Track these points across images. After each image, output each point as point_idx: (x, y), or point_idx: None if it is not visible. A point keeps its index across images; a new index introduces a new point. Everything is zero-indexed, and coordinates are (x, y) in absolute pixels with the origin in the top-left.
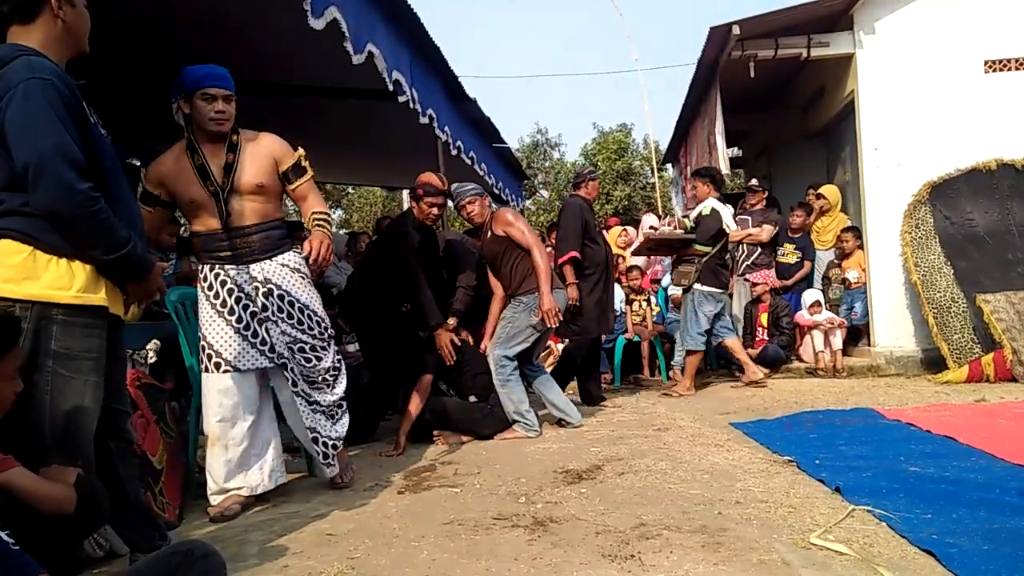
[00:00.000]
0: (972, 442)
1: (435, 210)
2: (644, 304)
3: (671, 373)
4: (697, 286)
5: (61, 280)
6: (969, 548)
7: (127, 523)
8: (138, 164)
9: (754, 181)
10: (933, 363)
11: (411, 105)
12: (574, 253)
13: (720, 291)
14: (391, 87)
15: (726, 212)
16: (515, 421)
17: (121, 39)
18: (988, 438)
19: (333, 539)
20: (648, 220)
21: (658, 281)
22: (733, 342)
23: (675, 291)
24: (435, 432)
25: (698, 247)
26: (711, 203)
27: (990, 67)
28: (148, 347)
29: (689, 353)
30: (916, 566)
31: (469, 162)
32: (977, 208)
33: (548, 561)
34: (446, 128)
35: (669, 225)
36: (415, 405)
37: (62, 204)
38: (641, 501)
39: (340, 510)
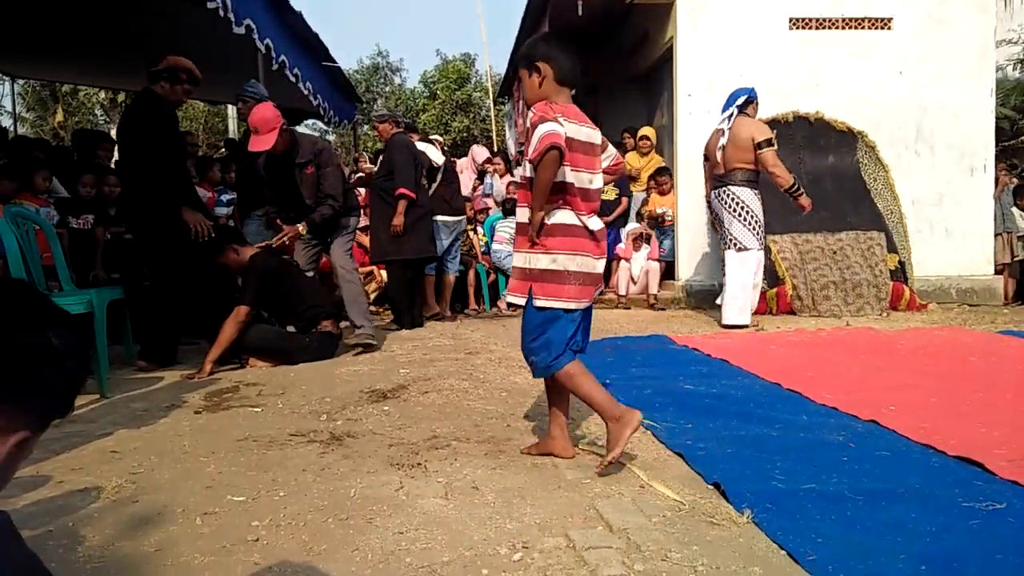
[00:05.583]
0: (742, 364)
1: (185, 97)
2: (472, 234)
3: (496, 304)
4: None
5: None
6: (715, 451)
7: None
8: None
9: None
10: None
11: (222, 13)
12: (405, 190)
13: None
14: None
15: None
16: None
17: None
18: (757, 361)
19: (117, 456)
20: (478, 152)
21: (486, 211)
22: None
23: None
24: (244, 355)
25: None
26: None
27: (794, 24)
28: None
29: None
30: (666, 466)
31: (293, 79)
32: None
33: (336, 471)
34: (267, 41)
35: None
36: (227, 333)
37: None
38: (438, 416)
39: (128, 429)
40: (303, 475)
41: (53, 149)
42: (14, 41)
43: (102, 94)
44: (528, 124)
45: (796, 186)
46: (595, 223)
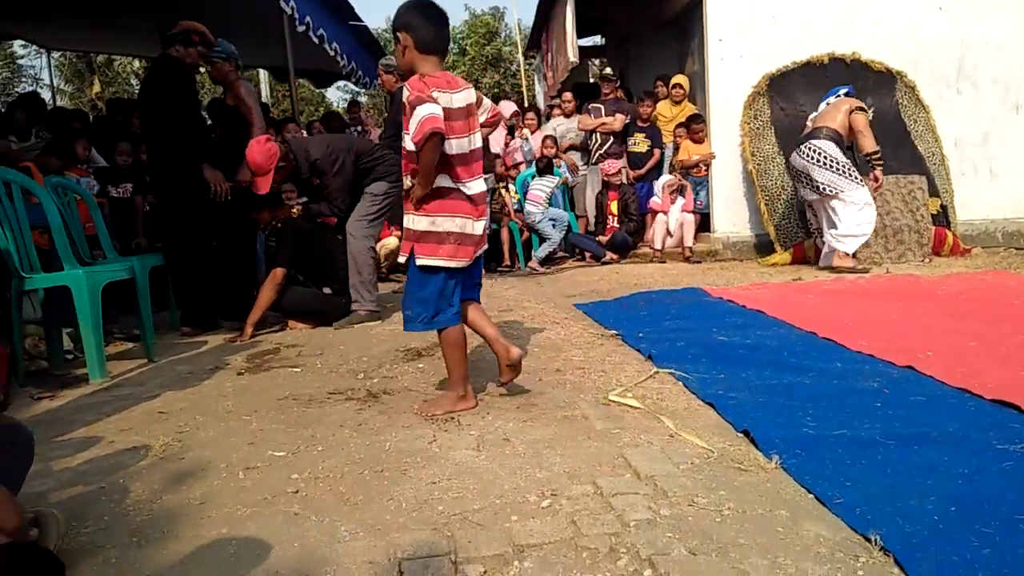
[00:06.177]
0: (778, 314)
1: (199, 59)
2: (504, 192)
3: (528, 263)
4: None
5: None
6: (746, 400)
7: None
8: None
9: (608, 70)
10: (764, 247)
11: None
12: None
13: None
14: None
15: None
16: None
17: None
18: (793, 311)
19: (164, 416)
20: (504, 109)
21: (517, 166)
22: None
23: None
24: (285, 318)
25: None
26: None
27: None
28: None
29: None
30: (695, 415)
31: (317, 40)
32: (809, 100)
33: (372, 426)
34: (292, 3)
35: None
36: (265, 296)
37: None
38: (472, 372)
39: (175, 391)
40: (341, 430)
41: (91, 119)
42: (47, 11)
43: (136, 63)
44: (405, 101)
45: (878, 155)
46: (473, 187)
